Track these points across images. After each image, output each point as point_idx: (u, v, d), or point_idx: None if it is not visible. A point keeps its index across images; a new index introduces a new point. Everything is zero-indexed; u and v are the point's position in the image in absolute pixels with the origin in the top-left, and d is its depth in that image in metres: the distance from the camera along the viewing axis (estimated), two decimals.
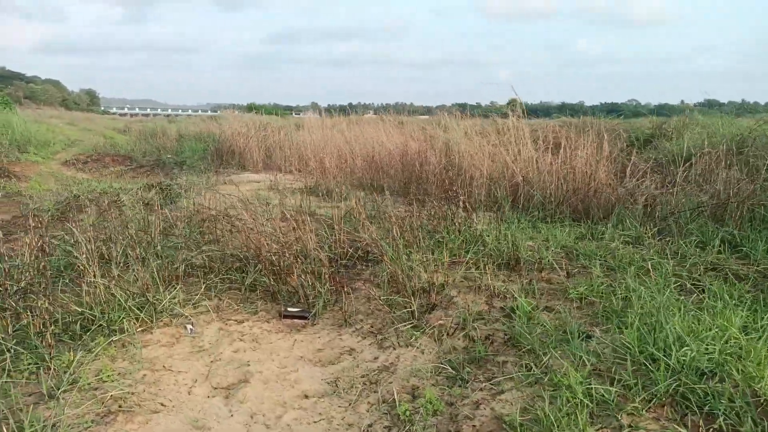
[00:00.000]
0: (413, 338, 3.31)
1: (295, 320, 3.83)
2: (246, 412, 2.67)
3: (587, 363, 2.57)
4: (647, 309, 3.00)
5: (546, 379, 2.56)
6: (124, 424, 2.52)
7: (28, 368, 2.90)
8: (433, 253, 4.73)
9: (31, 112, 27.70)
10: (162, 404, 2.73)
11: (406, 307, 3.74)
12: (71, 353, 3.05)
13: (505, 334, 3.21)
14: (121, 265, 4.19)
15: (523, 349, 2.96)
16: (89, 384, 2.83)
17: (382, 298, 3.99)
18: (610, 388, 2.35)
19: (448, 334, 3.31)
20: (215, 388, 2.95)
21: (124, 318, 3.58)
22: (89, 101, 68.02)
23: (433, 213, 5.85)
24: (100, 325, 3.45)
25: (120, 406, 2.65)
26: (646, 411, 2.23)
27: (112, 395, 2.70)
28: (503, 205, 6.75)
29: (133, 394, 2.77)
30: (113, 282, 3.71)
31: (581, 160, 7.24)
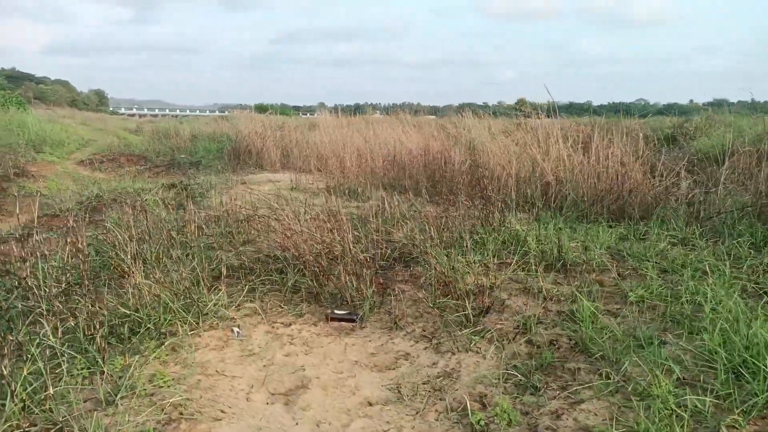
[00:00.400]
0: (472, 343, 3.20)
1: (343, 323, 3.72)
2: (310, 420, 2.57)
3: (674, 371, 2.45)
4: (723, 313, 2.87)
5: (630, 389, 2.44)
6: None
7: (81, 372, 2.81)
8: (473, 254, 4.61)
9: (43, 112, 27.77)
10: (222, 411, 2.63)
11: (458, 311, 3.63)
12: (125, 357, 2.96)
13: (570, 339, 3.10)
14: (160, 266, 4.11)
15: (594, 356, 2.84)
16: (145, 390, 2.73)
17: (430, 300, 3.89)
18: (704, 398, 2.23)
19: (508, 339, 3.19)
20: (273, 394, 2.85)
21: (170, 321, 3.49)
22: (98, 101, 68.27)
23: (467, 213, 5.74)
24: (148, 327, 3.36)
25: (181, 414, 2.55)
26: (747, 424, 2.11)
27: (171, 402, 2.60)
28: (535, 205, 6.62)
29: (191, 400, 2.68)
30: (158, 283, 3.62)
31: (614, 158, 7.11)
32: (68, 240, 4.14)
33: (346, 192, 9.33)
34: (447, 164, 9.25)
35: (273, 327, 3.66)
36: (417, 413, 2.60)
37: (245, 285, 4.15)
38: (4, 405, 2.33)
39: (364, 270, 4.25)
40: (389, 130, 12.98)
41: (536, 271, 4.26)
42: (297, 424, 2.54)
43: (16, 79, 59.58)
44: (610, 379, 2.58)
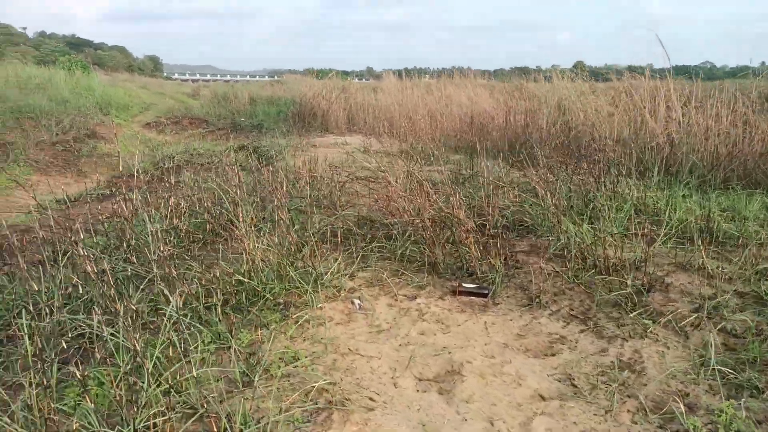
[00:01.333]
0: (647, 329, 2.72)
1: (473, 297, 3.31)
2: (479, 415, 2.18)
3: None
4: None
5: None
6: (342, 425, 2.08)
7: (207, 348, 2.51)
8: (600, 224, 4.08)
9: (104, 77, 28.25)
10: (371, 399, 2.28)
11: (611, 288, 3.15)
12: (255, 331, 2.65)
13: None
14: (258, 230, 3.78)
15: None
16: (280, 370, 2.41)
17: (569, 275, 3.42)
18: None
19: (691, 325, 2.69)
20: (420, 380, 2.47)
21: (287, 290, 3.16)
22: (153, 67, 69.45)
23: (574, 179, 5.17)
24: (265, 298, 3.05)
25: (329, 401, 2.21)
26: None
27: (316, 387, 2.26)
28: (648, 170, 5.96)
29: (334, 384, 2.33)
30: (272, 249, 3.29)
31: (737, 117, 6.33)
32: (170, 200, 3.87)
33: (419, 155, 8.84)
34: (531, 126, 8.61)
35: (395, 300, 3.29)
36: (606, 412, 2.17)
37: (355, 252, 3.79)
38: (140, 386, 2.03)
39: (489, 240, 3.82)
40: (459, 91, 12.32)
41: (685, 245, 3.71)
42: (465, 420, 2.15)
43: (75, 45, 61.23)
44: None
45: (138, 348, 2.06)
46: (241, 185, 4.48)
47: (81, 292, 2.77)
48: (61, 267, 3.04)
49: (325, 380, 2.32)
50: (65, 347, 2.27)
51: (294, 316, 2.86)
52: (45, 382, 2.06)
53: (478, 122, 9.87)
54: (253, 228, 3.49)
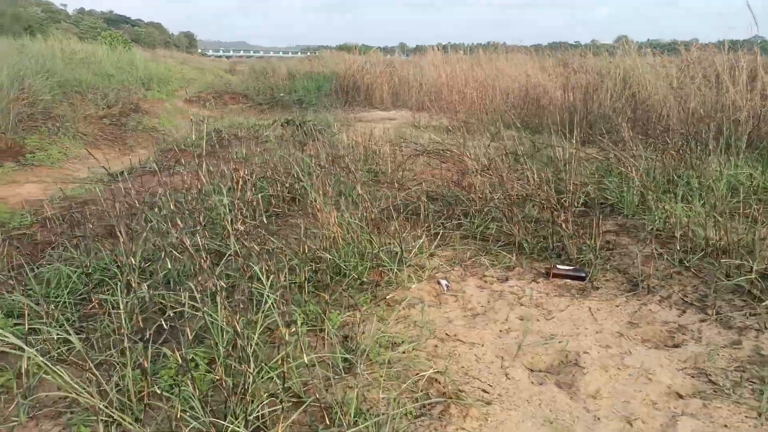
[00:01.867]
0: None
1: (568, 281, 3.05)
2: (612, 414, 1.94)
3: None
4: None
5: None
6: (462, 420, 1.87)
7: (300, 329, 2.32)
8: (697, 203, 3.75)
9: (143, 52, 28.43)
10: (484, 391, 2.06)
11: (727, 274, 2.84)
12: (345, 313, 2.46)
13: None
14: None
15: None
16: (380, 356, 2.21)
17: (674, 258, 3.12)
18: None
19: None
20: (532, 371, 2.24)
21: (369, 268, 2.96)
22: (188, 44, 69.88)
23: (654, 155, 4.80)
24: (350, 276, 2.85)
25: (443, 393, 2.01)
26: None
27: (425, 376, 2.06)
28: (733, 145, 5.52)
29: (442, 374, 2.12)
30: (351, 225, 3.09)
31: None
32: (237, 172, 3.69)
33: (472, 130, 8.49)
34: (594, 100, 8.16)
35: (484, 281, 3.05)
36: (759, 415, 1.90)
37: (433, 230, 3.56)
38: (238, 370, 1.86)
39: (574, 219, 3.54)
40: (509, 65, 11.84)
41: None
42: (598, 419, 1.92)
43: (113, 21, 61.94)
44: None
45: (239, 329, 1.88)
46: (315, 155, 4.28)
47: (163, 265, 2.62)
48: (139, 239, 2.90)
49: (432, 369, 2.11)
50: (160, 324, 2.12)
51: (384, 297, 2.65)
52: (139, 363, 1.91)
53: (533, 96, 9.45)
54: (331, 201, 3.29)
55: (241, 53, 77.23)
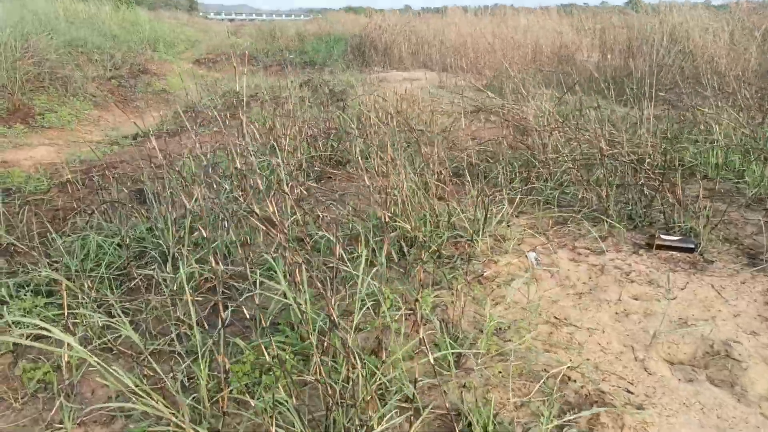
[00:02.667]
0: None
1: (673, 253, 2.64)
2: None
3: None
4: None
5: None
6: None
7: (388, 312, 1.94)
8: None
9: (147, 13, 27.50)
10: (628, 392, 1.68)
11: None
12: (440, 292, 2.07)
13: None
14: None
15: None
16: (492, 345, 1.83)
17: None
18: None
19: None
20: (672, 364, 1.86)
21: (452, 239, 2.56)
22: (189, 6, 68.12)
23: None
24: (426, 247, 2.45)
25: (585, 396, 1.63)
26: None
27: (560, 374, 1.68)
28: None
29: (573, 369, 1.74)
30: (418, 189, 2.67)
31: None
32: (289, 130, 3.26)
33: (502, 90, 7.98)
34: (637, 58, 7.61)
35: (577, 253, 2.65)
36: None
37: (504, 194, 3.14)
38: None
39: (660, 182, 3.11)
40: (537, 21, 11.20)
41: None
42: None
43: None
44: None
45: (335, 317, 1.49)
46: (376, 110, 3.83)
47: (217, 235, 2.22)
48: (180, 205, 2.50)
49: (559, 362, 1.73)
50: (216, 306, 1.73)
51: (481, 274, 2.26)
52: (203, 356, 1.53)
53: (565, 54, 8.89)
54: (393, 162, 2.87)
55: (243, 16, 75.46)
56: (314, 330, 1.56)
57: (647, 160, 3.57)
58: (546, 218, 2.99)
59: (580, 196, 3.17)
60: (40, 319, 1.85)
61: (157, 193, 2.81)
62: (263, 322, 1.73)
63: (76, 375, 1.74)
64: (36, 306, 2.12)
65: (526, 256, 2.59)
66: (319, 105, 6.53)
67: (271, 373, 1.55)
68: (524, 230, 2.85)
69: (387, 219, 2.11)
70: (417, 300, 1.78)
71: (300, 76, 11.51)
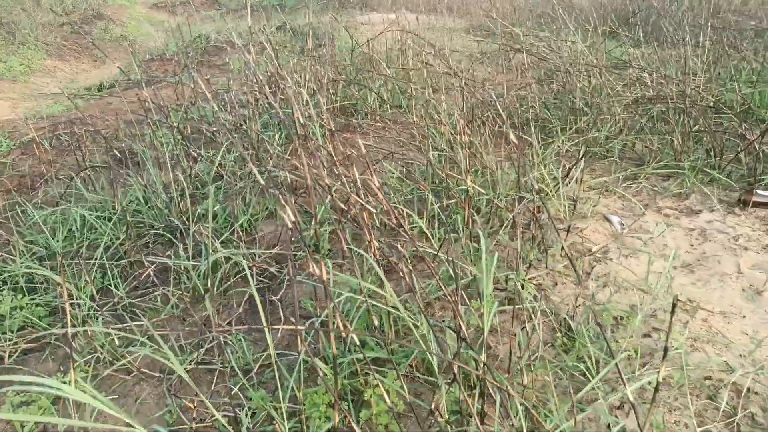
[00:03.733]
0: None
1: None
2: None
3: None
4: None
5: None
6: None
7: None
8: None
9: None
10: None
11: None
12: (528, 269, 1.64)
13: None
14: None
15: None
16: (618, 342, 1.43)
17: None
18: None
19: None
20: None
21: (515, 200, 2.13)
22: None
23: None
24: (497, 211, 2.02)
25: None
26: None
27: (716, 380, 1.29)
28: None
29: (723, 370, 1.37)
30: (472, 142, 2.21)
31: None
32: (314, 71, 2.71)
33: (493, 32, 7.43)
34: None
35: (664, 215, 2.26)
36: None
37: (561, 148, 2.70)
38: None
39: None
40: None
41: None
42: None
43: None
44: None
45: (465, 331, 1.04)
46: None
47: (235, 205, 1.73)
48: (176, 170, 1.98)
49: (718, 366, 1.35)
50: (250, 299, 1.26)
51: (572, 248, 1.84)
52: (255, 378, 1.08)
53: None
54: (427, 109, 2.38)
55: None
56: (429, 345, 1.12)
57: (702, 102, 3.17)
58: (613, 172, 2.58)
59: (647, 147, 2.76)
60: (30, 326, 1.36)
61: (151, 157, 2.26)
62: (341, 329, 1.27)
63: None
64: (21, 308, 1.61)
65: (607, 219, 2.18)
66: (300, 52, 5.88)
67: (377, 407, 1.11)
68: (589, 189, 2.44)
69: (470, 177, 1.65)
70: (522, 285, 1.35)
71: (270, 21, 10.63)
